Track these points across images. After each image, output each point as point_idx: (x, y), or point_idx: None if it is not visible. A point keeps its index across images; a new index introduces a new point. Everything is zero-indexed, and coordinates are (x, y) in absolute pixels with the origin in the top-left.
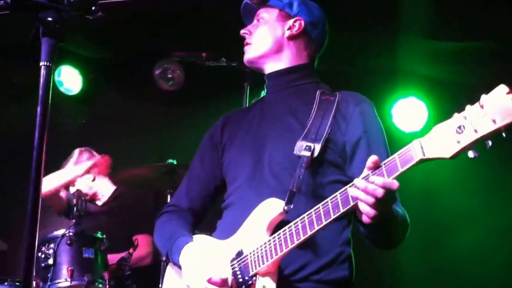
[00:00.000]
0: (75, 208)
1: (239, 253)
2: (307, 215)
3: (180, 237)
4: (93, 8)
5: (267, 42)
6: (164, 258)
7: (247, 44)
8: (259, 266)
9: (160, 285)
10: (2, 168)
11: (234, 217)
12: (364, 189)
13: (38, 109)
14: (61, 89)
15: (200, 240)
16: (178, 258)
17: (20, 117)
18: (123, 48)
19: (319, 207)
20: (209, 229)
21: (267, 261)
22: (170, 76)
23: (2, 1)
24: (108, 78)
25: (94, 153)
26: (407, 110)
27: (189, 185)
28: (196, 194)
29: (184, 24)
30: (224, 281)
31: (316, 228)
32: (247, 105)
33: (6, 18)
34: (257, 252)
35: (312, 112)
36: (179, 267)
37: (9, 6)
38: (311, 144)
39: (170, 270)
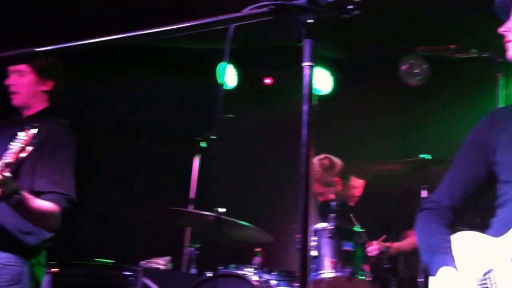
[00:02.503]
0: (334, 203)
1: None
2: None
3: (439, 255)
4: (349, 7)
5: None
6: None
7: (509, 41)
8: None
9: (418, 279)
10: (258, 164)
11: (508, 214)
12: None
13: (304, 107)
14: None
15: (467, 239)
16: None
17: (266, 116)
18: (368, 46)
19: None
20: None
21: None
22: (416, 71)
23: (267, 8)
24: (355, 77)
25: (334, 159)
26: None
27: (451, 183)
28: (458, 193)
29: (427, 17)
30: None
31: None
32: (500, 96)
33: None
34: None
35: None
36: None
37: (273, 12)
38: None
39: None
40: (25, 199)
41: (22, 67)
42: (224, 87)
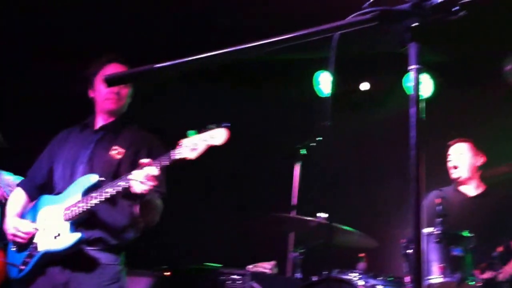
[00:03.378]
0: (440, 207)
1: None
2: None
3: None
4: (454, 8)
5: None
6: None
7: None
8: None
9: None
10: (359, 169)
11: None
12: None
13: (411, 110)
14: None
15: None
16: None
17: (364, 122)
18: (467, 48)
19: None
20: None
21: None
22: None
23: (370, 15)
24: (457, 79)
25: None
26: None
27: None
28: None
29: None
30: None
31: None
32: None
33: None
34: None
35: None
36: None
37: (377, 18)
38: None
39: None
40: (151, 198)
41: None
42: (322, 95)
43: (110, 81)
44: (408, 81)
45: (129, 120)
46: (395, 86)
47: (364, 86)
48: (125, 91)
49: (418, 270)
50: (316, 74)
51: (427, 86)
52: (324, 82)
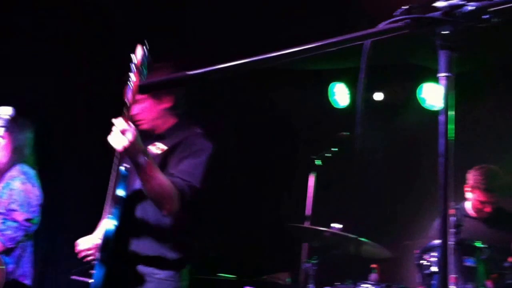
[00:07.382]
0: (453, 218)
1: None
2: None
3: None
4: (485, 16)
5: None
6: None
7: None
8: None
9: None
10: (374, 180)
11: None
12: None
13: (441, 117)
14: (425, 106)
15: None
16: None
17: (379, 132)
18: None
19: None
20: None
21: None
22: None
23: (402, 22)
24: (473, 91)
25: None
26: None
27: None
28: None
29: None
30: None
31: None
32: None
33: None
34: None
35: None
36: None
37: (409, 26)
38: None
39: None
40: (150, 164)
41: (138, 96)
42: (337, 106)
43: (144, 89)
44: (421, 92)
45: (182, 127)
46: (409, 97)
47: (378, 96)
48: (143, 109)
49: (444, 278)
50: (331, 85)
51: (439, 98)
52: (339, 93)
